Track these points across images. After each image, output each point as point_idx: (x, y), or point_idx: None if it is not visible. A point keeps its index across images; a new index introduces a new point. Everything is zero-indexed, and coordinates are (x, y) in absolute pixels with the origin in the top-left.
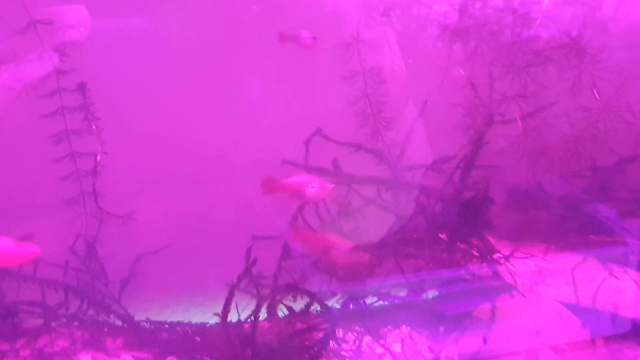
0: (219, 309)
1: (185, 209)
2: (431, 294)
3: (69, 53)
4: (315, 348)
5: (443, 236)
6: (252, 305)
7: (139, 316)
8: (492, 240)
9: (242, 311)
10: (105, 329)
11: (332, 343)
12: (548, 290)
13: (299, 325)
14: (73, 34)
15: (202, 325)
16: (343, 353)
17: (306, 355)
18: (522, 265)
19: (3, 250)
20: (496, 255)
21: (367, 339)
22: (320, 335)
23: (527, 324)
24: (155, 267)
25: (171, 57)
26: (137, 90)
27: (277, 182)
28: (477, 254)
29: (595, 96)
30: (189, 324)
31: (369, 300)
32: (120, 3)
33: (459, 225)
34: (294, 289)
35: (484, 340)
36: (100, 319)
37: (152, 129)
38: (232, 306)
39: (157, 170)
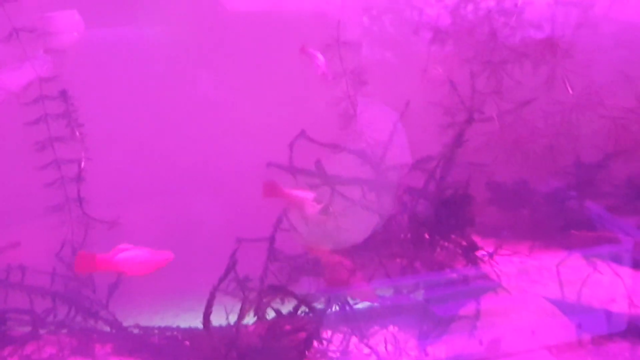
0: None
1: (172, 214)
2: (417, 294)
3: (54, 60)
4: (301, 349)
5: (426, 235)
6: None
7: (129, 322)
8: (476, 238)
9: (230, 315)
10: (94, 336)
11: (318, 344)
12: (534, 287)
13: (285, 326)
14: (66, 39)
15: (191, 330)
16: (330, 354)
17: (291, 356)
18: (507, 263)
19: (141, 260)
20: (480, 253)
21: (354, 339)
22: (306, 336)
23: (515, 323)
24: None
25: (156, 64)
26: (123, 97)
27: (279, 190)
28: (460, 251)
29: (568, 91)
30: (178, 328)
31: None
32: (105, 13)
33: (442, 224)
34: (280, 291)
35: (480, 342)
36: (88, 325)
37: (138, 134)
38: (221, 310)
39: (143, 175)
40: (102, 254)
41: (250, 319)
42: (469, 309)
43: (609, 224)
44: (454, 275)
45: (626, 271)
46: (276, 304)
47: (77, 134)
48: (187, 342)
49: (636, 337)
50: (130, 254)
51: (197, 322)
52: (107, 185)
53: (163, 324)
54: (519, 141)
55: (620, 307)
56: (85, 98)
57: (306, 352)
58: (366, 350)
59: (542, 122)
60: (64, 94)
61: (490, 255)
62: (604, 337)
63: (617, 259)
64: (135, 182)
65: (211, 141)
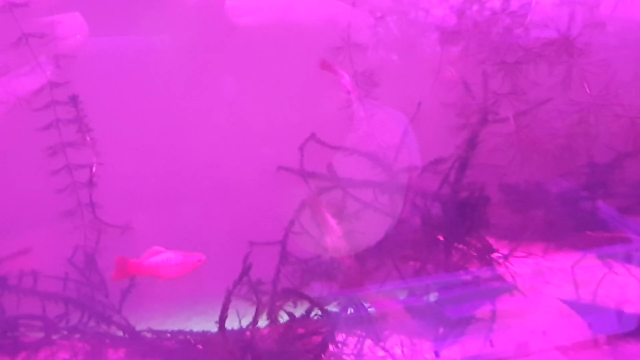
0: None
1: (182, 218)
2: (432, 296)
3: (62, 65)
4: (315, 352)
5: (440, 237)
6: (252, 312)
7: (141, 327)
8: (490, 240)
9: (243, 318)
10: (107, 340)
11: (332, 347)
12: (548, 288)
13: (299, 330)
14: (69, 42)
15: (204, 334)
16: (344, 357)
17: (302, 355)
18: (522, 265)
19: (173, 263)
20: (495, 255)
21: (368, 342)
22: (320, 339)
23: (530, 325)
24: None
25: (165, 70)
26: (134, 102)
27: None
28: (475, 254)
29: (586, 90)
30: (191, 332)
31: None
32: (119, 22)
33: (456, 226)
34: (293, 295)
35: (491, 344)
36: (101, 330)
37: (149, 139)
38: (233, 313)
39: (154, 179)
40: (134, 259)
41: (263, 323)
42: (483, 310)
43: (621, 225)
44: (468, 277)
45: (638, 271)
46: (289, 307)
47: (88, 139)
48: (200, 346)
49: None
50: (162, 258)
51: (209, 326)
52: (117, 190)
53: (175, 328)
54: (535, 142)
55: (635, 307)
56: (94, 105)
57: (322, 356)
58: (381, 353)
59: (558, 123)
60: (74, 99)
61: (505, 257)
62: (618, 337)
63: (629, 259)
64: (146, 188)
65: (222, 145)
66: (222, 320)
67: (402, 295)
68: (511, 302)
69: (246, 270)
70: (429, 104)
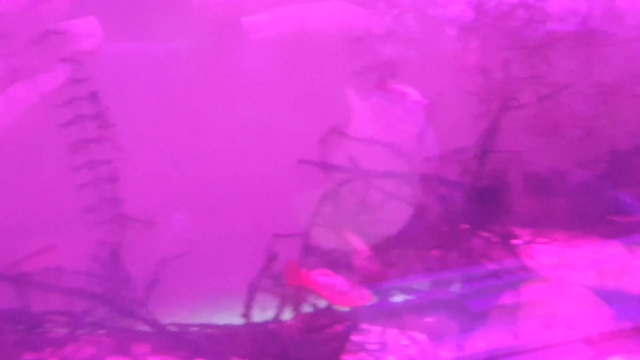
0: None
1: (204, 214)
2: (456, 286)
3: (83, 63)
4: (339, 341)
5: (464, 226)
6: (276, 305)
7: (167, 321)
8: (513, 227)
9: (267, 311)
10: (132, 335)
11: (356, 336)
12: (573, 276)
13: (322, 320)
14: (85, 44)
15: (229, 327)
16: (368, 346)
17: (330, 348)
18: (545, 253)
19: (341, 290)
20: (517, 242)
21: (392, 331)
22: (344, 328)
23: (555, 314)
24: (181, 272)
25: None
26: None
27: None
28: (498, 241)
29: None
30: (216, 325)
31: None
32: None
33: (478, 213)
34: None
35: (515, 336)
36: (126, 325)
37: (171, 135)
38: (258, 306)
39: (177, 174)
40: (306, 271)
41: (288, 315)
42: (507, 300)
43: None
44: (491, 266)
45: None
46: (313, 298)
47: (109, 134)
48: (225, 339)
49: None
50: (330, 280)
51: (233, 320)
52: (140, 188)
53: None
54: (557, 126)
55: None
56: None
57: (346, 344)
58: (404, 342)
59: (581, 106)
60: (94, 95)
61: (528, 244)
62: None
63: None
64: (170, 181)
65: (242, 138)
66: (247, 310)
67: (426, 284)
68: (535, 291)
69: (271, 259)
70: (450, 93)
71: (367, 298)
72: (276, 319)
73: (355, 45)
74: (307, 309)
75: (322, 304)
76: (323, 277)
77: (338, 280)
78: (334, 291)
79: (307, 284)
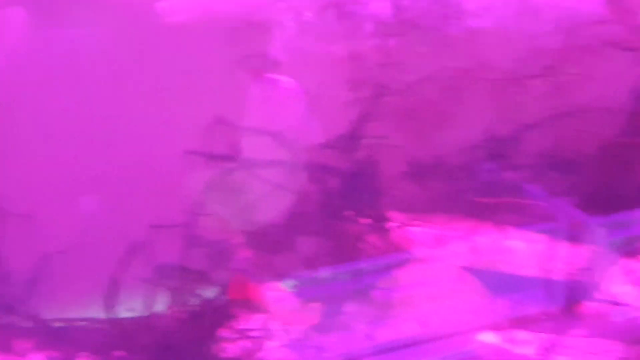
0: (136, 304)
1: (87, 207)
2: (333, 272)
3: None
4: (219, 329)
5: (341, 212)
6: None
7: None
8: (392, 212)
9: (155, 303)
10: (13, 331)
11: (238, 324)
12: (447, 256)
13: (203, 310)
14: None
15: (117, 321)
16: (250, 333)
17: (209, 336)
18: (422, 235)
19: (290, 309)
20: (393, 225)
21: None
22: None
23: (430, 294)
24: (69, 267)
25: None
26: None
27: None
28: (374, 225)
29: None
30: (103, 319)
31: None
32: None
33: (355, 199)
34: (200, 278)
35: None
36: (7, 321)
37: (56, 127)
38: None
39: (59, 166)
40: (255, 284)
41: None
42: (382, 282)
43: (522, 193)
44: (368, 251)
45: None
46: (195, 289)
47: None
48: (112, 333)
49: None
50: (279, 297)
51: (122, 313)
52: (22, 181)
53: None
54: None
55: (535, 273)
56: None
57: (226, 332)
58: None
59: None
60: None
61: (403, 227)
62: (522, 304)
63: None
64: (49, 177)
65: (128, 131)
66: (110, 305)
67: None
68: (409, 273)
69: (132, 251)
70: (330, 83)
71: (313, 322)
72: (150, 309)
73: (245, 32)
74: (190, 300)
75: (207, 295)
76: (272, 292)
77: (290, 300)
78: (282, 308)
79: (254, 298)
